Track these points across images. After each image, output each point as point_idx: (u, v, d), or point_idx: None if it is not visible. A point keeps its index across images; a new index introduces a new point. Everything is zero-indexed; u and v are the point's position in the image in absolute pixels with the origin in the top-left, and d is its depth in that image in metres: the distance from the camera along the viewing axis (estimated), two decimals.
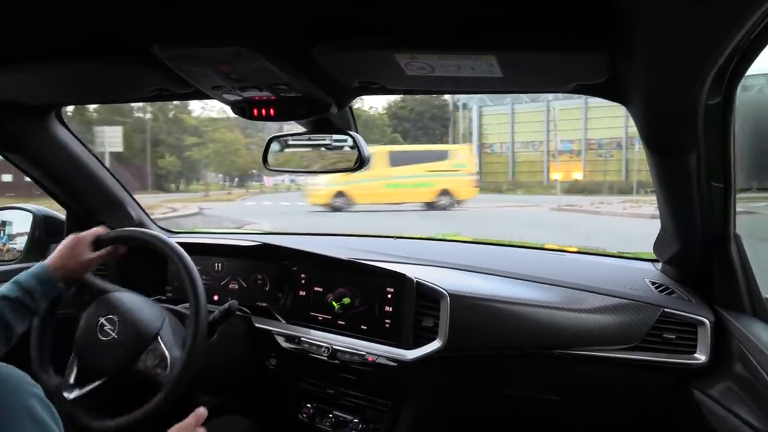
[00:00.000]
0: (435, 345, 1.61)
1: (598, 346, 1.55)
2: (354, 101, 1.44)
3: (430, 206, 14.60)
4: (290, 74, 1.12)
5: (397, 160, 14.94)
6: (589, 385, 1.67)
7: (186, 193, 22.45)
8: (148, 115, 22.54)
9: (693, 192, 1.30)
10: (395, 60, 1.04)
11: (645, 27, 0.81)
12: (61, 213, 2.14)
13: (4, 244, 2.12)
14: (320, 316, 1.81)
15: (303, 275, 1.86)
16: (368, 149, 1.49)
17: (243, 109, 1.34)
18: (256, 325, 1.85)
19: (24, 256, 2.06)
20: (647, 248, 1.76)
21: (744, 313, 1.42)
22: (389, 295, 1.70)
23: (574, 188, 21.19)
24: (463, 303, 1.63)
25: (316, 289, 1.83)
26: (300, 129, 1.56)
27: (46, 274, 1.37)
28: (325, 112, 1.33)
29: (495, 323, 1.62)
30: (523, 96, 22.65)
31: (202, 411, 1.24)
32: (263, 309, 1.87)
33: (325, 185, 14.42)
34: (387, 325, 1.70)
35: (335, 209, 14.41)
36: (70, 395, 1.42)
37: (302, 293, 1.85)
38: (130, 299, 1.51)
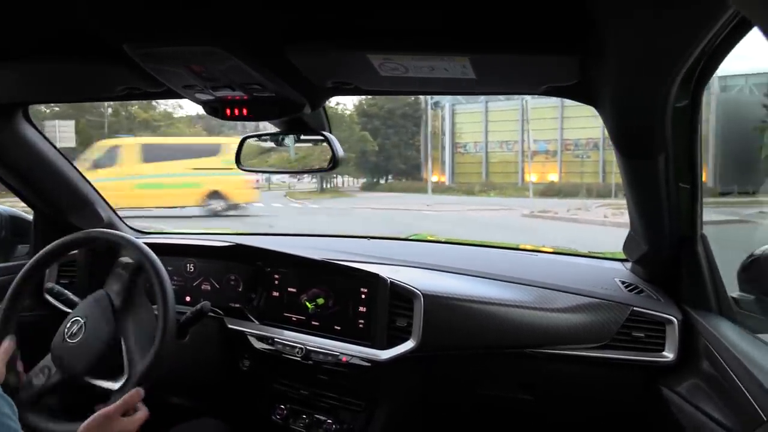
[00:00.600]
0: (408, 345, 1.62)
1: (569, 344, 1.57)
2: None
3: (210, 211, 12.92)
4: (263, 74, 1.11)
5: (152, 155, 12.75)
6: (561, 383, 1.69)
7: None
8: (110, 110, 21.72)
9: (661, 193, 1.32)
10: (369, 61, 1.04)
11: (615, 32, 0.82)
12: (28, 213, 2.09)
13: None
14: (294, 317, 1.80)
15: (276, 276, 1.85)
16: (341, 149, 1.50)
17: (215, 108, 1.32)
18: (229, 326, 1.83)
19: None
20: None
21: (711, 312, 1.45)
22: (363, 296, 1.70)
23: (549, 190, 20.38)
24: (436, 303, 1.64)
25: (289, 289, 1.82)
26: (274, 129, 1.55)
27: None
28: (298, 113, 1.33)
29: (468, 323, 1.63)
30: None
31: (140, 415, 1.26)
32: (236, 310, 1.86)
33: None
34: (361, 326, 1.70)
35: None
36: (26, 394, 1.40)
37: (276, 294, 1.84)
38: (95, 301, 1.49)
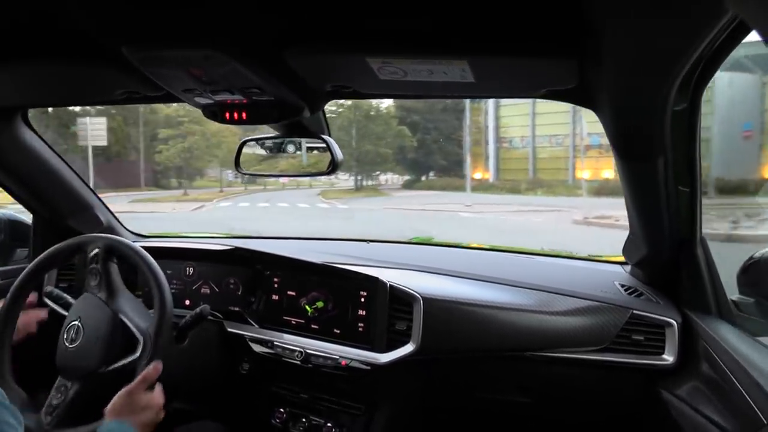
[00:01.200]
0: (408, 348, 1.62)
1: (568, 348, 1.57)
2: None
3: None
4: (262, 78, 1.11)
5: None
6: (560, 386, 1.68)
7: (191, 190, 20.88)
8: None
9: (660, 196, 1.32)
10: (368, 64, 1.04)
11: (613, 35, 0.82)
12: (27, 217, 2.09)
13: None
14: (293, 320, 1.80)
15: (276, 279, 1.85)
16: (340, 153, 1.50)
17: (215, 112, 1.32)
18: (229, 329, 1.83)
19: None
20: None
21: (710, 315, 1.45)
22: (362, 299, 1.70)
23: (604, 189, 16.67)
24: (436, 306, 1.64)
25: (289, 293, 1.82)
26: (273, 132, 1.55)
27: None
28: (298, 116, 1.33)
29: (468, 326, 1.63)
30: None
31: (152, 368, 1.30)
32: (236, 313, 1.86)
33: None
34: (360, 329, 1.69)
35: None
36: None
37: (275, 297, 1.84)
38: (83, 300, 1.50)
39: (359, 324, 1.70)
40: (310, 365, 1.70)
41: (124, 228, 2.24)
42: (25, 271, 1.54)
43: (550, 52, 0.97)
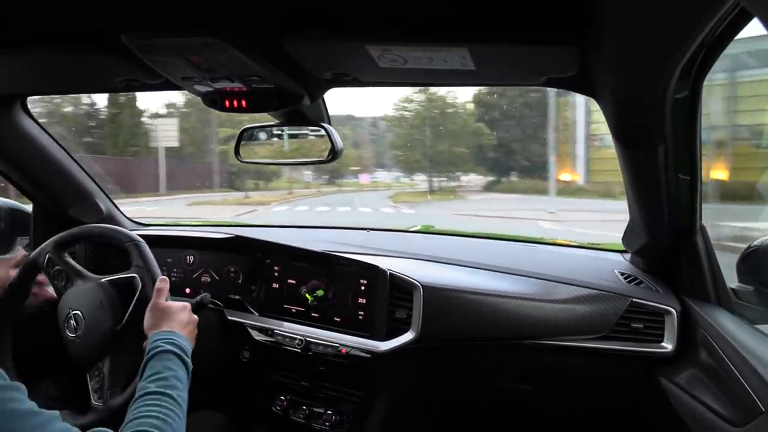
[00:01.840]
0: (408, 336, 1.62)
1: (568, 336, 1.58)
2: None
3: None
4: (261, 65, 1.11)
5: None
6: (560, 374, 1.69)
7: (264, 192, 19.40)
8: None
9: (661, 184, 1.32)
10: (368, 52, 1.04)
11: (613, 22, 0.82)
12: (27, 205, 2.09)
13: None
14: (294, 308, 1.80)
15: (276, 267, 1.85)
16: (340, 141, 1.49)
17: (214, 100, 1.32)
18: (229, 317, 1.84)
19: None
20: None
21: (709, 303, 1.46)
22: (362, 287, 1.71)
23: (723, 192, 6.27)
24: (436, 294, 1.64)
25: (289, 281, 1.83)
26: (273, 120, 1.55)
27: None
28: (297, 104, 1.32)
29: (468, 314, 1.63)
30: None
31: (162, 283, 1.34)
32: (236, 301, 1.86)
33: None
34: (360, 317, 1.70)
35: None
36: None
37: (275, 285, 1.85)
38: (95, 294, 1.49)
39: (359, 312, 1.70)
40: (310, 353, 1.71)
41: (124, 216, 2.24)
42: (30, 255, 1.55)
43: (551, 39, 0.96)
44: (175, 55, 1.08)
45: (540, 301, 1.62)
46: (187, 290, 1.95)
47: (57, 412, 0.85)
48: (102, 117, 15.16)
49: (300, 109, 1.40)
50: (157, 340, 1.16)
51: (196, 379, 1.32)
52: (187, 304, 1.34)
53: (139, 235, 1.51)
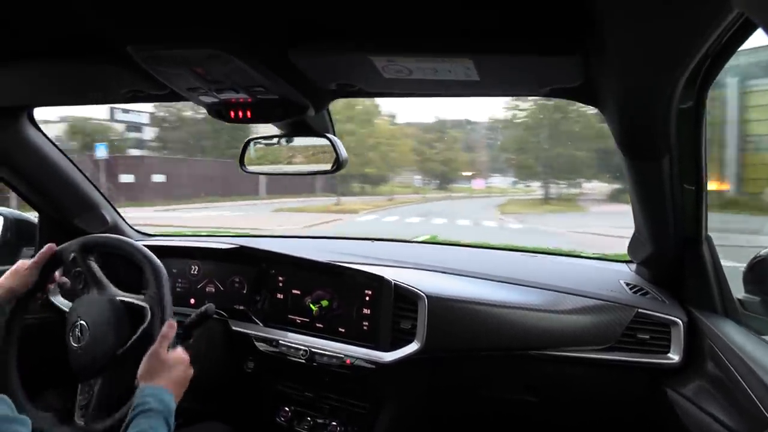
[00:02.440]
0: (413, 347, 1.62)
1: (574, 346, 1.57)
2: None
3: None
4: (266, 76, 1.11)
5: None
6: (565, 385, 1.68)
7: (371, 197, 18.72)
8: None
9: (666, 194, 1.32)
10: (372, 63, 1.04)
11: (618, 32, 0.82)
12: (33, 216, 2.10)
13: None
14: (298, 319, 1.80)
15: (281, 278, 1.85)
16: (344, 152, 1.50)
17: (219, 111, 1.33)
18: (234, 328, 1.84)
19: None
20: None
21: (716, 313, 1.45)
22: (367, 298, 1.70)
23: None
24: (440, 305, 1.63)
25: (293, 291, 1.82)
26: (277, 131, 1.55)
27: None
28: (302, 115, 1.33)
29: (472, 325, 1.63)
30: None
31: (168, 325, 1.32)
32: (241, 312, 1.86)
33: None
34: (365, 328, 1.69)
35: None
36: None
37: (280, 296, 1.84)
38: (106, 309, 1.49)
39: (364, 323, 1.70)
40: (314, 364, 1.70)
41: (130, 227, 2.25)
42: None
43: (555, 49, 0.96)
44: (180, 67, 1.08)
45: (545, 312, 1.61)
46: (192, 300, 1.95)
47: None
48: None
49: (305, 119, 1.40)
50: (147, 396, 1.16)
51: (201, 390, 1.32)
52: (186, 358, 1.32)
53: (145, 246, 1.51)
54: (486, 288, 1.73)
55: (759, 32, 0.85)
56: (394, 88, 1.23)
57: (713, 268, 1.46)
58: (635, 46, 0.84)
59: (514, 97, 15.74)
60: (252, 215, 14.14)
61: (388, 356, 1.63)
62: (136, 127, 22.25)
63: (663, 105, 1.02)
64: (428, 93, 1.30)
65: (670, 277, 1.60)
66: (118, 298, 1.46)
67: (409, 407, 1.81)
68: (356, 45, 1.01)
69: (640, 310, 1.55)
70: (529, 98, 15.45)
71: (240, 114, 1.31)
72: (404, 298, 1.67)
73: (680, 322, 1.50)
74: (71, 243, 1.53)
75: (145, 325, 1.39)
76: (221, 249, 1.96)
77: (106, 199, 2.12)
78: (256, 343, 1.79)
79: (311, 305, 1.78)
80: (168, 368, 1.26)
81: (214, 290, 1.95)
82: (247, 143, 1.60)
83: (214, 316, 1.61)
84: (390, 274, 1.71)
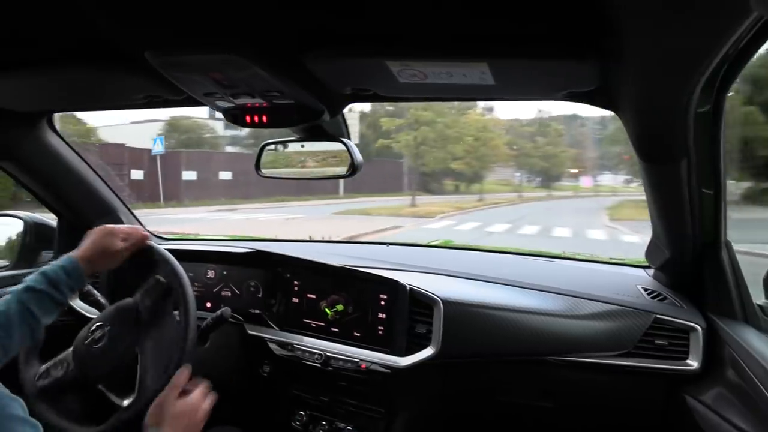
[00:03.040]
0: (428, 352, 1.61)
1: (590, 352, 1.56)
2: None
3: None
4: (282, 81, 1.12)
5: None
6: (582, 391, 1.67)
7: (464, 195, 17.54)
8: None
9: (684, 199, 1.31)
10: (387, 67, 1.04)
11: (634, 36, 0.81)
12: (52, 220, 2.13)
13: None
14: (313, 323, 1.80)
15: (296, 282, 1.86)
16: (360, 156, 1.50)
17: (235, 116, 1.34)
18: (249, 332, 1.84)
19: (14, 263, 2.05)
20: None
21: (735, 320, 1.43)
22: (382, 302, 1.70)
23: None
24: (456, 310, 1.63)
25: (309, 295, 1.83)
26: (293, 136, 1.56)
27: (74, 266, 1.32)
28: (318, 119, 1.33)
29: (488, 330, 1.62)
30: None
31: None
32: (256, 316, 1.87)
33: None
34: (380, 332, 1.69)
35: None
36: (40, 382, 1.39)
37: (295, 300, 1.85)
38: (123, 311, 1.47)
39: (379, 327, 1.70)
40: (330, 368, 1.70)
41: (147, 231, 2.26)
42: None
43: (571, 53, 0.96)
44: (196, 72, 1.09)
45: (561, 317, 1.60)
46: (208, 304, 1.96)
47: None
48: None
49: (320, 124, 1.41)
50: None
51: (216, 393, 1.32)
52: (197, 405, 1.27)
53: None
54: (502, 293, 1.72)
55: None
56: (409, 92, 1.24)
57: (732, 274, 1.44)
58: (652, 50, 0.83)
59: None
60: (301, 217, 12.85)
61: (403, 361, 1.63)
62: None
63: (680, 109, 1.01)
64: (443, 97, 1.30)
65: (689, 283, 1.58)
66: (138, 353, 1.39)
67: (424, 412, 1.80)
68: (371, 50, 1.01)
69: (658, 316, 1.53)
70: None
71: (256, 119, 1.32)
72: (419, 302, 1.67)
73: (699, 328, 1.48)
74: (176, 273, 1.45)
75: (128, 400, 1.35)
76: (237, 253, 1.97)
77: (123, 203, 2.15)
78: (272, 347, 1.80)
79: (326, 309, 1.78)
80: (177, 417, 1.23)
81: (230, 294, 1.96)
82: (263, 148, 1.61)
83: (230, 319, 1.62)
84: (405, 278, 1.71)
